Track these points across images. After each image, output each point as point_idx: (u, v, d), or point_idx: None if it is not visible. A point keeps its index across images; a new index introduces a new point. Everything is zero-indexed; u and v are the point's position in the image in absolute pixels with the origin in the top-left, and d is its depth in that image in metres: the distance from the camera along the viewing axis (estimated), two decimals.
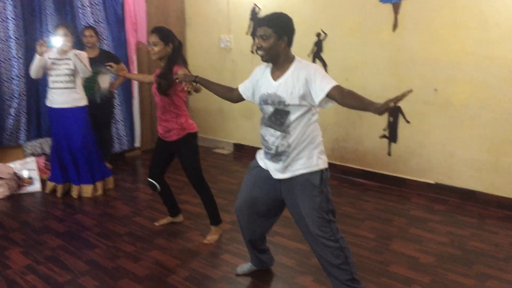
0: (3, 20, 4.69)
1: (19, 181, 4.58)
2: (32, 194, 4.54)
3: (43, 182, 4.66)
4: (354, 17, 4.67)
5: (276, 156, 2.47)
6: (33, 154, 4.94)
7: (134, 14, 5.71)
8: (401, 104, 4.43)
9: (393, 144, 4.61)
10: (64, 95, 4.28)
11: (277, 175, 2.51)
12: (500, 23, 3.81)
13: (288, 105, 2.38)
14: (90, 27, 4.87)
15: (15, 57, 4.77)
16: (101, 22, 5.39)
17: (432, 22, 4.16)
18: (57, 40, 4.09)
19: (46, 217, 3.97)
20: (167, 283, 2.92)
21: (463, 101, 4.10)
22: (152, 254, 3.30)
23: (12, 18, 4.70)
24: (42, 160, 4.94)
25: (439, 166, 4.34)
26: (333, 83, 2.35)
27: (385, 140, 4.66)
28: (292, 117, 2.39)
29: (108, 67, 4.18)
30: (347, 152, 5.00)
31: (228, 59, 5.98)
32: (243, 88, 2.68)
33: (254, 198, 2.65)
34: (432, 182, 4.40)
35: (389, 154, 4.65)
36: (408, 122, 4.46)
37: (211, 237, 3.50)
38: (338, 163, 5.08)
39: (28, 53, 4.84)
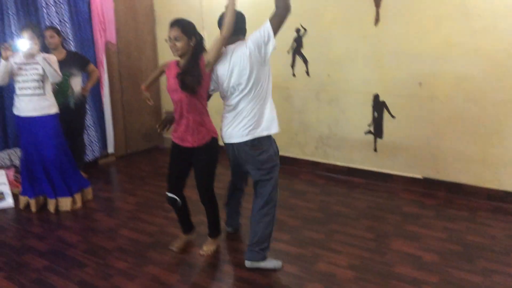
0: None
1: None
2: (4, 210, 4.22)
3: (15, 196, 4.35)
4: (334, 12, 4.59)
5: None
6: (1, 167, 4.60)
7: (102, 12, 5.43)
8: (385, 98, 4.43)
9: (378, 140, 4.59)
10: (32, 102, 3.97)
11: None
12: (482, 14, 3.83)
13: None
14: (50, 27, 4.54)
15: None
16: (66, 21, 5.08)
17: (414, 15, 4.14)
18: (23, 43, 3.79)
19: (25, 236, 3.69)
20: None
21: (448, 94, 4.12)
22: (147, 269, 3.11)
23: None
24: (11, 172, 4.61)
25: (426, 160, 4.35)
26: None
27: (370, 136, 4.63)
28: None
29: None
30: (331, 150, 4.94)
31: None
32: None
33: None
34: (419, 176, 4.41)
35: (375, 150, 4.63)
36: (393, 117, 4.45)
37: (208, 247, 3.31)
38: (322, 161, 5.02)
39: None
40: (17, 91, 3.99)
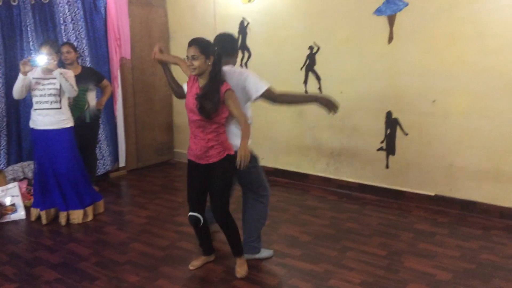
0: None
1: (1, 208, 4.29)
2: (16, 222, 4.25)
3: (27, 209, 4.38)
4: (348, 30, 4.63)
5: None
6: (14, 179, 4.65)
7: (117, 29, 5.53)
8: (398, 115, 4.43)
9: (391, 156, 4.57)
10: (49, 116, 4.05)
11: None
12: (497, 34, 3.84)
13: None
14: (67, 43, 4.64)
15: None
16: (83, 38, 5.18)
17: (428, 33, 4.16)
18: (42, 59, 3.87)
19: (36, 248, 3.71)
20: None
21: (462, 111, 4.10)
22: (159, 283, 3.10)
23: None
24: (24, 185, 4.66)
25: (438, 178, 4.32)
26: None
27: (383, 153, 4.62)
28: None
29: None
30: (342, 166, 4.93)
31: None
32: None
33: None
34: (432, 194, 4.38)
35: (387, 166, 4.61)
36: (406, 134, 4.44)
37: (241, 268, 3.17)
38: (333, 177, 5.01)
39: (8, 72, 4.61)
40: (35, 105, 4.05)
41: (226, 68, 3.05)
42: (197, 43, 2.85)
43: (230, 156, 2.97)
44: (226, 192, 3.02)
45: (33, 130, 4.14)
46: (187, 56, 2.86)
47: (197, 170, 3.04)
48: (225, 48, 3.07)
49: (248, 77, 3.07)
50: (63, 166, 4.13)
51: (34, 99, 4.04)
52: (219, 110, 2.86)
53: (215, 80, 2.87)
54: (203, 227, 3.17)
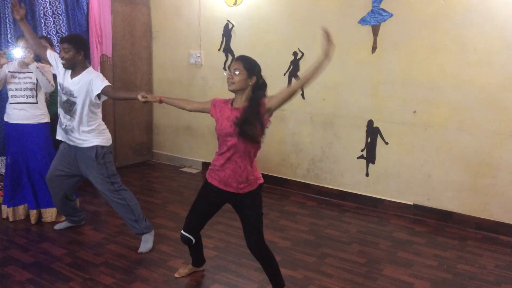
0: None
1: None
2: None
3: None
4: (333, 37, 4.64)
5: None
6: None
7: (99, 26, 5.43)
8: (379, 124, 4.47)
9: (371, 165, 4.61)
10: (24, 111, 3.93)
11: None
12: (478, 48, 3.92)
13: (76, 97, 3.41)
14: (43, 37, 4.50)
15: None
16: (64, 33, 5.05)
17: (411, 45, 4.22)
18: (18, 52, 3.77)
19: (8, 246, 3.58)
20: None
21: (442, 123, 4.17)
22: (135, 286, 3.03)
23: None
24: None
25: (417, 187, 4.37)
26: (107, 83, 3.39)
27: (363, 161, 4.65)
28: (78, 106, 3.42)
29: (141, 99, 3.10)
30: (323, 172, 4.94)
31: (197, 76, 5.80)
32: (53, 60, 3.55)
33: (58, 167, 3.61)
34: (410, 203, 4.43)
35: (367, 174, 4.64)
36: (386, 143, 4.48)
37: None
38: (314, 183, 5.01)
39: None
40: (10, 99, 3.94)
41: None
42: (244, 59, 2.68)
43: (262, 185, 2.82)
44: (260, 224, 2.78)
45: (7, 124, 4.02)
46: (229, 68, 2.71)
47: (217, 196, 2.82)
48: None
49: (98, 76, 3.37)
50: (37, 162, 4.01)
51: (10, 93, 3.93)
52: (265, 131, 2.68)
53: (255, 103, 2.64)
54: (196, 244, 3.02)
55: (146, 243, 3.58)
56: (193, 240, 2.95)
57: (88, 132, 3.47)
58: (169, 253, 3.53)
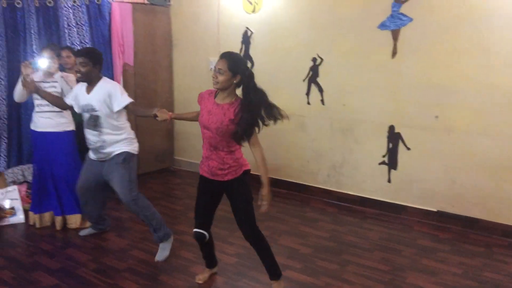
0: None
1: (0, 212, 4.24)
2: (15, 226, 4.21)
3: (26, 212, 4.33)
4: (352, 43, 4.64)
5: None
6: (14, 182, 4.61)
7: (121, 35, 5.52)
8: (401, 130, 4.43)
9: (393, 171, 4.57)
10: (50, 119, 4.03)
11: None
12: (500, 51, 3.86)
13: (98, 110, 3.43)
14: (67, 47, 4.60)
15: None
16: (87, 43, 5.17)
17: (432, 49, 4.17)
18: (43, 62, 3.87)
19: (35, 252, 3.66)
20: None
21: (465, 127, 4.11)
22: None
23: None
24: (23, 188, 4.61)
25: (441, 194, 4.31)
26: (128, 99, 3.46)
27: (384, 167, 4.61)
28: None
29: (155, 117, 3.19)
30: (344, 178, 4.91)
31: None
32: (69, 100, 3.66)
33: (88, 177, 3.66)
34: (434, 209, 4.36)
35: (389, 180, 4.60)
36: (408, 148, 4.43)
37: None
38: (334, 189, 4.99)
39: (11, 75, 4.58)
40: (36, 108, 4.04)
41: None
42: (227, 57, 2.73)
43: (247, 171, 2.91)
44: (250, 208, 2.89)
45: (33, 132, 4.12)
46: (214, 66, 2.76)
47: (210, 187, 2.94)
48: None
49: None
50: (62, 169, 4.10)
51: (36, 102, 4.03)
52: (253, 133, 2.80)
53: (251, 106, 2.71)
54: (208, 242, 3.10)
55: (163, 251, 3.57)
56: (207, 235, 3.01)
57: (118, 142, 3.52)
58: (190, 259, 3.56)
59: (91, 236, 4.00)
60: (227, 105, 2.77)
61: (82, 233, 4.02)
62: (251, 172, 2.97)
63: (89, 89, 3.49)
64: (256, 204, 2.83)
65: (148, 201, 3.62)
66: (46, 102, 3.99)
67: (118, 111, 3.47)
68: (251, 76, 2.75)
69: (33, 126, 4.11)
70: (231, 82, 2.73)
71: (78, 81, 3.58)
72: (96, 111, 3.44)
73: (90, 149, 3.62)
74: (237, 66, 2.72)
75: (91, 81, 3.47)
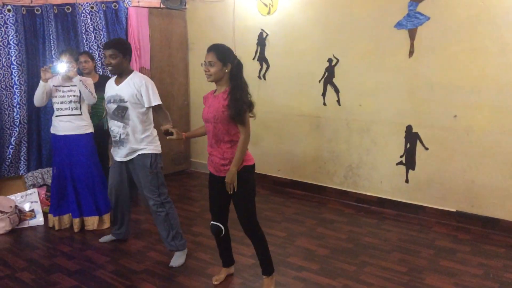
0: (4, 46, 4.51)
1: (20, 214, 4.32)
2: (34, 228, 4.29)
3: (45, 215, 4.41)
4: (368, 43, 4.61)
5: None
6: (34, 185, 4.69)
7: (138, 39, 5.59)
8: (418, 130, 4.37)
9: (410, 171, 4.51)
10: (70, 122, 4.11)
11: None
12: None
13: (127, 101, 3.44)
14: (84, 52, 4.67)
15: (16, 84, 4.57)
16: None
17: (450, 48, 4.12)
18: (62, 66, 3.94)
19: (54, 254, 3.72)
20: None
21: (484, 127, 4.04)
22: None
23: (14, 43, 4.53)
24: (43, 191, 4.69)
25: (460, 194, 4.24)
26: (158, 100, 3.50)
27: (402, 167, 4.56)
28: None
29: (167, 133, 3.16)
30: (361, 179, 4.88)
31: None
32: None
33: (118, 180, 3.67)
34: (453, 210, 4.30)
35: (407, 181, 4.54)
36: (426, 148, 4.38)
37: None
38: (351, 190, 4.95)
39: (30, 80, 4.67)
40: (56, 112, 4.12)
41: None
42: (214, 49, 2.85)
43: (247, 167, 2.93)
44: (249, 203, 2.94)
45: (54, 136, 4.19)
46: (204, 61, 2.85)
47: (217, 182, 3.00)
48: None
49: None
50: (82, 171, 4.17)
51: (55, 106, 4.10)
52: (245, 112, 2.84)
53: (238, 84, 2.83)
54: (224, 237, 3.13)
55: (178, 258, 3.55)
56: (223, 229, 3.06)
57: (142, 139, 3.49)
58: (208, 261, 3.57)
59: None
60: (221, 94, 2.89)
61: (102, 239, 4.01)
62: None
63: (118, 81, 3.49)
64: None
65: (174, 208, 3.64)
66: (66, 106, 4.06)
67: (147, 108, 3.48)
68: (239, 65, 2.88)
69: (53, 130, 4.19)
70: (223, 72, 2.84)
71: (110, 73, 3.59)
72: (125, 102, 3.42)
73: (113, 142, 3.58)
74: (225, 55, 2.83)
75: (122, 73, 3.46)
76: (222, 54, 2.82)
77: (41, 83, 3.98)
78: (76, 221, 4.20)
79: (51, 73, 3.94)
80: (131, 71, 3.53)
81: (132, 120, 3.45)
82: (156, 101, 3.47)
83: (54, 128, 4.17)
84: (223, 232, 3.07)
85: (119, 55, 3.40)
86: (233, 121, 2.83)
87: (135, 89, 3.42)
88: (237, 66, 2.87)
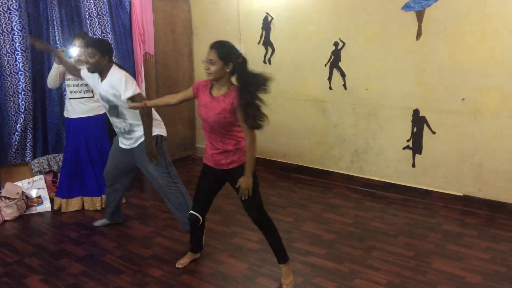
0: (8, 32, 4.47)
1: (28, 200, 4.34)
2: (42, 214, 4.31)
3: (52, 201, 4.43)
4: (374, 25, 4.54)
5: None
6: (40, 172, 4.70)
7: (142, 24, 5.54)
8: (425, 114, 4.33)
9: (417, 155, 4.48)
10: (83, 104, 4.20)
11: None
12: None
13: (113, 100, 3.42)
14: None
15: (21, 70, 4.54)
16: (108, 33, 5.19)
17: (458, 30, 4.05)
18: (74, 50, 4.05)
19: (61, 240, 3.74)
20: None
21: (493, 110, 3.99)
22: (182, 279, 3.10)
23: (18, 29, 4.48)
24: (49, 177, 4.71)
25: (467, 178, 4.21)
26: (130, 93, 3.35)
27: (409, 151, 4.53)
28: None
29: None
30: (367, 164, 4.85)
31: None
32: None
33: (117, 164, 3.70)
34: (460, 194, 4.27)
35: (413, 165, 4.51)
36: (433, 132, 4.34)
37: (287, 280, 2.97)
38: (358, 175, 4.93)
39: (34, 66, 4.63)
40: (69, 95, 4.20)
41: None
42: (217, 47, 2.70)
43: None
44: (257, 196, 2.88)
45: (68, 119, 4.27)
46: (206, 58, 2.72)
47: (213, 175, 2.98)
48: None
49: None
50: (98, 152, 4.28)
51: (68, 89, 4.20)
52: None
53: (246, 84, 2.66)
54: (200, 227, 3.20)
55: None
56: (201, 219, 3.11)
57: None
58: (214, 246, 3.58)
59: (116, 224, 4.05)
60: (222, 97, 2.75)
61: (97, 223, 4.03)
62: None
63: (101, 79, 3.48)
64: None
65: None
66: (79, 89, 4.14)
67: (130, 100, 3.36)
68: (244, 62, 2.71)
69: (66, 114, 4.27)
70: (224, 71, 2.70)
71: (88, 71, 3.51)
72: (112, 101, 3.43)
73: (119, 134, 3.61)
74: (227, 54, 2.68)
75: (101, 72, 3.45)
76: (224, 53, 2.67)
77: (55, 65, 4.09)
78: (98, 199, 4.35)
79: (64, 56, 4.01)
80: (109, 69, 3.43)
81: (127, 114, 3.46)
82: (128, 93, 3.32)
83: (67, 111, 4.23)
84: (200, 222, 3.12)
85: (97, 55, 3.34)
86: (237, 125, 2.77)
87: (113, 89, 3.38)
88: (241, 64, 2.70)
